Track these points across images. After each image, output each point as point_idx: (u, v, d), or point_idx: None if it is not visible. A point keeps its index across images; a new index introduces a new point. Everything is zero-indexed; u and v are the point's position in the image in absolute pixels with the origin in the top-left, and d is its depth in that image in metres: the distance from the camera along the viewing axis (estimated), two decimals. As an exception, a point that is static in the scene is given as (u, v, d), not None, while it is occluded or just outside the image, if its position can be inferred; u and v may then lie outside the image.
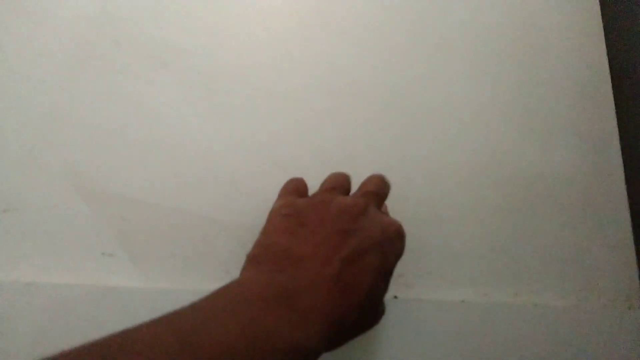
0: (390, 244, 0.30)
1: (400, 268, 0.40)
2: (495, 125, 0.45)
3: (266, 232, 0.31)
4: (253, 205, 0.38)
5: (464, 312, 0.39)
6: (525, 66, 0.48)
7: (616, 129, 0.48)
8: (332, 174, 0.35)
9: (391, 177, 0.41)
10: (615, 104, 0.49)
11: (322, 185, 0.34)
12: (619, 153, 0.47)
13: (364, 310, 0.27)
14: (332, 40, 0.44)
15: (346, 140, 0.42)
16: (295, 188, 0.34)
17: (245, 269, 0.28)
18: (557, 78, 0.48)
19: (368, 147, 0.42)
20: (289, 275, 0.26)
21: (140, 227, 0.36)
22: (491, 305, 0.40)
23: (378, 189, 0.34)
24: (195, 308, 0.23)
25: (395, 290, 0.39)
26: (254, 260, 0.28)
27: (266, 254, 0.28)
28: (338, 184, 0.34)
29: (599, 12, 0.51)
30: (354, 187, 0.35)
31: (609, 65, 0.50)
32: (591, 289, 0.43)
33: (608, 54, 0.50)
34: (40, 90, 0.37)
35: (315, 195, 0.33)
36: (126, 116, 0.38)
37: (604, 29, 0.51)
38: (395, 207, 0.40)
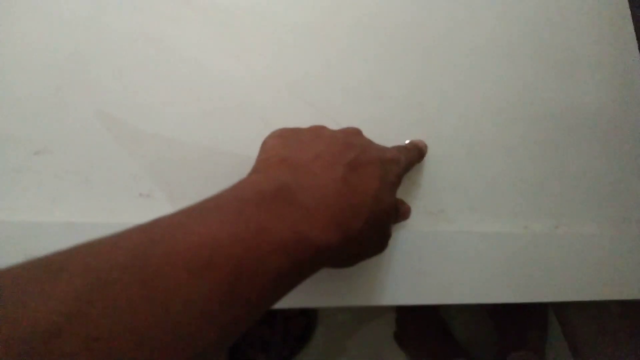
0: (389, 163, 0.29)
1: (440, 204, 0.39)
2: (522, 62, 0.44)
3: (263, 150, 0.29)
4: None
5: (505, 244, 0.39)
6: (549, 2, 0.47)
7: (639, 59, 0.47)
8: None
9: (424, 115, 0.40)
10: (637, 37, 0.49)
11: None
12: (647, 84, 0.46)
13: (371, 217, 0.25)
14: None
15: (375, 78, 0.41)
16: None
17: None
18: (580, 14, 0.47)
19: (399, 86, 0.41)
20: (292, 177, 0.24)
21: (176, 166, 0.35)
22: (533, 237, 0.40)
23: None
24: (182, 211, 0.21)
25: (437, 225, 0.39)
26: (252, 171, 0.27)
27: (265, 165, 0.26)
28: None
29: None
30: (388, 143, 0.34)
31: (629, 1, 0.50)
32: (630, 218, 0.42)
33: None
34: (64, 32, 0.35)
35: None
36: (150, 54, 0.36)
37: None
38: (431, 144, 0.40)
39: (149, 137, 0.35)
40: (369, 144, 0.30)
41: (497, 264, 0.38)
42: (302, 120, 0.36)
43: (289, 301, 0.34)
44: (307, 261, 0.22)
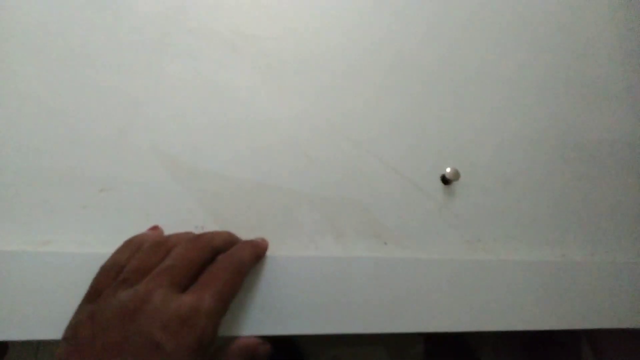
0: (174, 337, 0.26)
1: (477, 234, 0.41)
2: (553, 94, 0.46)
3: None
4: (327, 176, 0.39)
5: (542, 271, 0.40)
6: (577, 34, 0.49)
7: (670, 92, 0.49)
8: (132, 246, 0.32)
9: (460, 148, 0.42)
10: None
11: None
12: (676, 115, 0.48)
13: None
14: (393, 25, 0.46)
15: (412, 113, 0.43)
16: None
17: None
18: (609, 46, 0.50)
19: (436, 120, 0.43)
20: None
21: (227, 200, 0.37)
22: (570, 264, 0.40)
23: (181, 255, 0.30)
24: None
25: (474, 254, 0.40)
26: None
27: None
28: (146, 263, 0.30)
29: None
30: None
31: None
32: (666, 245, 0.43)
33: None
34: (124, 79, 0.38)
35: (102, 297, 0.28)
36: (203, 97, 0.39)
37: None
38: (467, 175, 0.41)
39: (202, 173, 0.37)
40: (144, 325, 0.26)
41: (533, 291, 0.39)
42: (341, 155, 0.39)
43: (331, 327, 0.35)
44: None
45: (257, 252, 0.34)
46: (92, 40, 0.39)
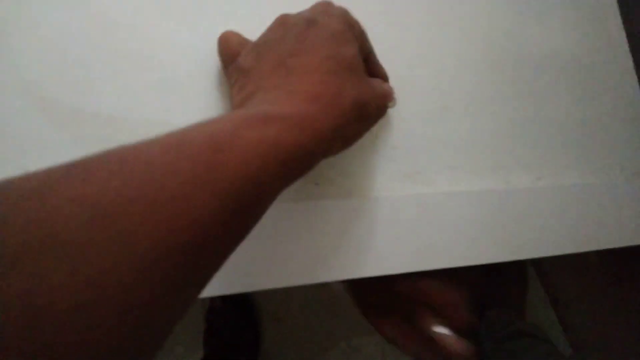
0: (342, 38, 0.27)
1: (417, 165, 0.37)
2: (490, 7, 0.42)
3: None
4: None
5: (487, 201, 0.37)
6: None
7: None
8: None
9: (392, 70, 0.37)
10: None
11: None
12: (620, 25, 0.45)
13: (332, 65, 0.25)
14: None
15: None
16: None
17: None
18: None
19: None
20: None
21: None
22: (514, 191, 0.38)
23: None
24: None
25: (414, 188, 0.37)
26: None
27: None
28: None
29: None
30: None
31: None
32: (612, 165, 0.41)
33: None
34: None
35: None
36: (81, 20, 0.32)
37: None
38: (402, 101, 0.37)
39: (88, 116, 0.31)
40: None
41: (479, 224, 0.37)
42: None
43: (265, 282, 0.31)
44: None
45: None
46: None
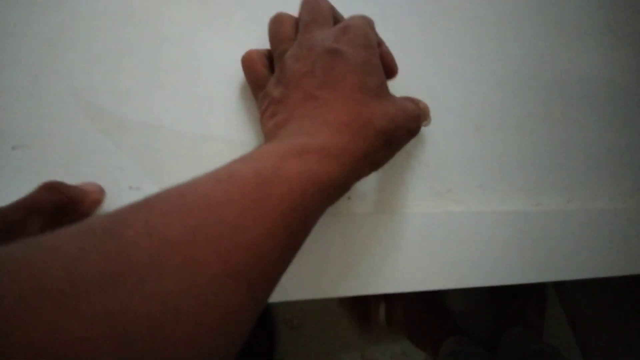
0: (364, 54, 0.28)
1: (448, 183, 0.37)
2: (528, 30, 0.42)
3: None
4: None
5: (516, 222, 0.37)
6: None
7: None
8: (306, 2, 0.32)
9: (427, 89, 0.38)
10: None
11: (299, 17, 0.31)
12: (657, 49, 0.45)
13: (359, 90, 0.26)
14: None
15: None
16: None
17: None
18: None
19: (403, 62, 0.39)
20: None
21: (165, 155, 0.32)
22: (544, 213, 0.38)
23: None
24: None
25: (445, 206, 0.37)
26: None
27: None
28: (316, 14, 0.31)
29: None
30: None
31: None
32: (642, 190, 0.41)
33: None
34: (36, 16, 0.32)
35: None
36: (131, 33, 0.34)
37: None
38: (437, 121, 0.37)
39: (134, 125, 0.32)
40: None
41: (508, 244, 0.37)
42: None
43: (294, 293, 0.32)
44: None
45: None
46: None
